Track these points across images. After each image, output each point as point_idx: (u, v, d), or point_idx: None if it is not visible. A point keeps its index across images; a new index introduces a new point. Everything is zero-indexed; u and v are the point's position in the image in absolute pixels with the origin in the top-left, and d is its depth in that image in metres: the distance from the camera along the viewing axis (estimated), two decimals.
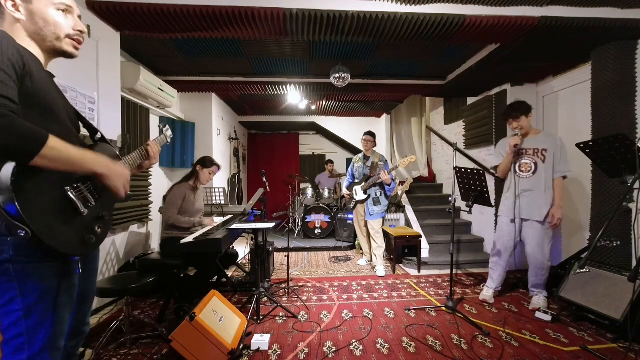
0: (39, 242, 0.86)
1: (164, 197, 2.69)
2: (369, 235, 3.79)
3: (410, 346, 2.06)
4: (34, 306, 0.92)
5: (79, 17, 1.08)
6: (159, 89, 3.41)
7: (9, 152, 0.81)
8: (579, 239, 3.16)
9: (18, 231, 0.83)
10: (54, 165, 0.88)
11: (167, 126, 1.60)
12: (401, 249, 4.12)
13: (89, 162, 0.97)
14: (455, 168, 2.56)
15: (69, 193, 0.96)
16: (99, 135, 1.22)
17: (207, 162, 2.72)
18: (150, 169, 3.52)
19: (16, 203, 0.82)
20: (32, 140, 0.82)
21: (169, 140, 1.57)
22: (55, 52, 1.04)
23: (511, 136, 2.61)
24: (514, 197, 2.63)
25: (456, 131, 5.04)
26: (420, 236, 3.79)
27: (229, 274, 3.52)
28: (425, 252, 3.97)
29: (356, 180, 3.84)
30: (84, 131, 1.21)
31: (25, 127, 0.81)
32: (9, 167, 0.83)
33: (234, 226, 2.45)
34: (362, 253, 4.17)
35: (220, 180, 4.81)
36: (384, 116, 6.13)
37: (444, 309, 2.58)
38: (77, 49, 1.06)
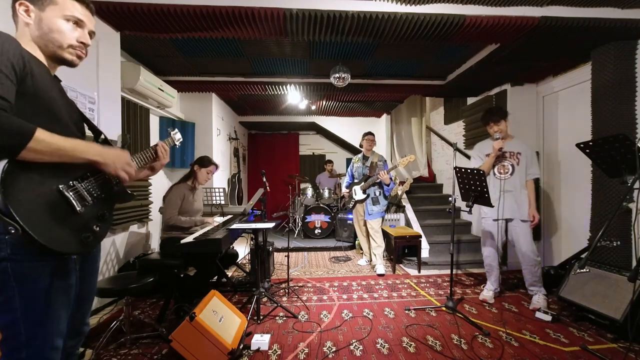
0: (32, 239, 0.86)
1: (164, 198, 2.68)
2: (368, 235, 3.79)
3: (410, 346, 2.06)
4: (31, 305, 0.92)
5: (92, 32, 1.10)
6: (159, 89, 3.41)
7: None
8: (579, 239, 3.16)
9: (9, 228, 0.83)
10: (45, 158, 0.89)
11: (176, 129, 1.56)
12: (401, 249, 4.12)
13: (81, 150, 0.97)
14: (455, 168, 2.56)
15: (64, 191, 0.96)
16: (102, 137, 1.22)
17: (205, 162, 2.72)
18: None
19: (6, 200, 0.83)
20: (18, 134, 0.83)
21: (177, 143, 1.53)
22: (57, 59, 1.06)
23: (494, 139, 2.69)
24: (496, 197, 2.68)
25: (456, 131, 5.04)
26: (420, 236, 3.79)
27: (229, 274, 3.52)
28: (425, 252, 3.97)
29: (355, 180, 3.84)
30: (88, 133, 1.21)
31: (11, 121, 0.82)
32: (0, 164, 0.83)
33: (234, 226, 2.45)
34: (362, 253, 4.17)
35: (220, 180, 4.81)
36: (384, 116, 6.14)
37: (444, 309, 2.58)
38: (79, 58, 1.08)
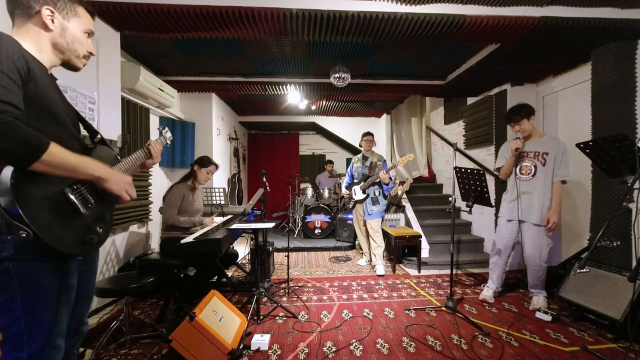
0: (40, 242, 0.87)
1: (164, 198, 2.69)
2: (368, 235, 3.79)
3: (410, 346, 2.06)
4: (33, 305, 0.92)
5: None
6: (159, 89, 3.41)
7: (10, 157, 0.83)
8: (579, 239, 3.16)
9: (20, 232, 0.84)
10: (53, 171, 0.90)
11: (167, 128, 1.61)
12: (401, 249, 4.12)
13: (90, 167, 0.98)
14: (455, 168, 2.56)
15: (69, 194, 0.97)
16: (98, 137, 1.23)
17: (205, 162, 2.72)
18: (150, 169, 3.52)
19: (16, 204, 0.83)
20: (32, 146, 0.84)
21: (168, 142, 1.57)
22: (67, 65, 1.11)
23: (513, 139, 2.62)
24: (514, 198, 2.65)
25: (456, 131, 5.04)
26: (420, 236, 3.79)
27: (229, 274, 3.52)
28: (425, 252, 3.97)
29: (355, 181, 3.85)
30: (84, 132, 1.22)
31: (27, 133, 0.83)
32: (9, 169, 0.84)
33: (234, 226, 2.45)
34: (362, 253, 4.17)
35: (220, 180, 4.81)
36: (384, 116, 6.14)
37: (444, 309, 2.58)
38: (84, 65, 1.15)
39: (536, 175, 2.56)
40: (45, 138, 0.86)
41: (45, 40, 1.02)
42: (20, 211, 0.83)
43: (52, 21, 1.01)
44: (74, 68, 1.12)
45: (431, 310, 2.60)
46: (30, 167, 0.85)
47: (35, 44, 1.00)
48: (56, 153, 0.88)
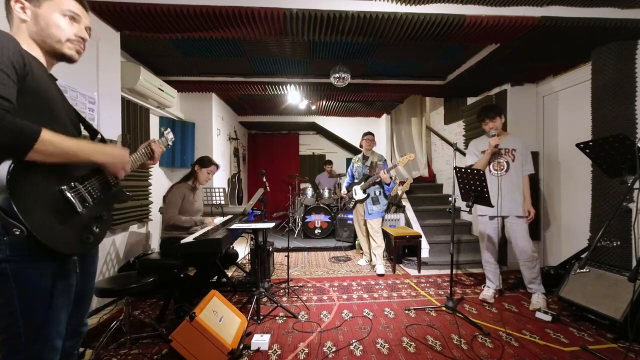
0: (35, 241, 0.86)
1: (164, 198, 2.69)
2: (368, 235, 3.79)
3: (410, 346, 2.06)
4: (30, 306, 0.92)
5: (88, 28, 1.11)
6: (159, 89, 3.41)
7: (3, 148, 0.81)
8: (579, 239, 3.16)
9: (13, 230, 0.82)
10: (51, 159, 0.88)
11: (169, 129, 1.60)
12: (401, 249, 4.12)
13: (86, 151, 0.98)
14: (455, 168, 2.56)
15: (66, 192, 0.96)
16: (98, 137, 1.22)
17: (206, 162, 2.72)
18: (150, 169, 3.52)
19: (12, 201, 0.82)
20: (24, 135, 0.82)
21: (170, 143, 1.55)
22: (56, 55, 1.05)
23: (490, 136, 2.71)
24: (493, 194, 2.67)
25: (456, 131, 5.04)
26: (420, 236, 3.79)
27: (229, 274, 3.52)
28: (425, 252, 3.97)
29: (355, 180, 3.85)
30: (84, 133, 1.21)
31: (16, 123, 0.81)
32: (5, 166, 0.83)
33: (234, 226, 2.45)
34: (362, 253, 4.17)
35: (220, 180, 4.81)
36: (384, 116, 6.14)
37: (444, 309, 2.58)
38: (78, 53, 1.08)
39: (509, 171, 2.71)
40: (36, 126, 0.84)
41: (26, 34, 1.00)
42: (15, 208, 0.82)
43: (25, 12, 0.98)
44: (65, 57, 1.05)
45: (431, 310, 2.60)
46: (27, 157, 0.83)
47: (24, 40, 0.98)
48: (51, 140, 0.86)
